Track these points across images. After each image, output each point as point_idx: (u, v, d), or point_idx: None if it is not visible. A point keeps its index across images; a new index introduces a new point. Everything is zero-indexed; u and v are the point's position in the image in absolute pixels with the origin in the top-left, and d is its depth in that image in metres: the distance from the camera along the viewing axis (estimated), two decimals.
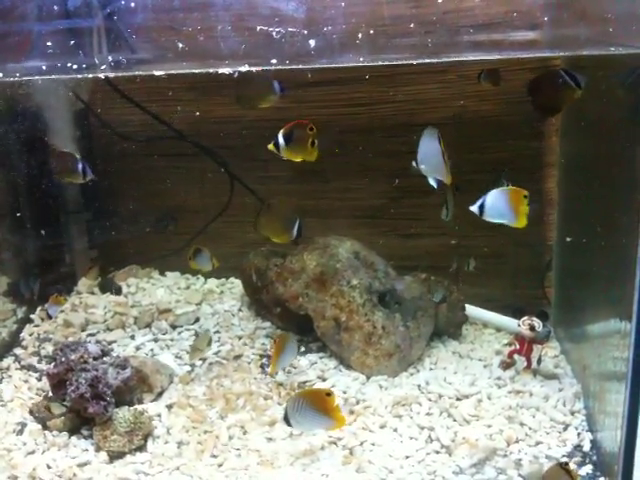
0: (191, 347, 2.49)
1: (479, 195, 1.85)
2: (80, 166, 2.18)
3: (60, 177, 2.30)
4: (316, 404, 1.87)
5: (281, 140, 1.99)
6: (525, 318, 2.32)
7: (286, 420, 1.91)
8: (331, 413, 1.88)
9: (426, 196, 2.67)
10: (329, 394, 1.88)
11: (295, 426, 1.94)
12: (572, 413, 2.14)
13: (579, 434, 2.06)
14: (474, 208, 1.85)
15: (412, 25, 1.83)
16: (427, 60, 2.00)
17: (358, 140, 2.60)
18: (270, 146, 2.00)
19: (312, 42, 1.77)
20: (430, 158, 1.87)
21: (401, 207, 2.73)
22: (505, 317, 2.62)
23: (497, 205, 1.84)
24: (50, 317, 2.53)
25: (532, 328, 2.30)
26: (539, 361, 2.32)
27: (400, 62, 2.00)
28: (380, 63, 1.99)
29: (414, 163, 1.89)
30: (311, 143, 2.00)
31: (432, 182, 1.91)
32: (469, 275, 2.59)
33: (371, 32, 1.81)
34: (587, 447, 2.01)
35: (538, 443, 2.02)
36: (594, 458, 1.97)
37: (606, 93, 1.96)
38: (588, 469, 1.93)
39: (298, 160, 2.04)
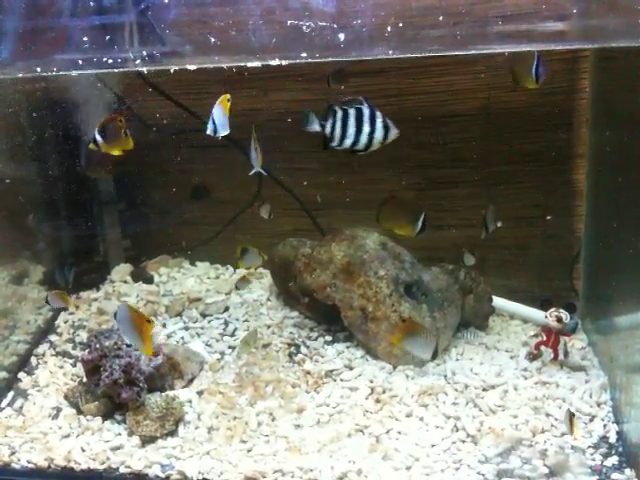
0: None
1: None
2: None
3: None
4: (137, 326, 1.91)
5: (98, 137, 2.04)
6: (552, 310, 2.32)
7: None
8: (144, 340, 1.91)
9: (453, 188, 2.69)
10: (149, 321, 1.91)
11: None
12: (598, 405, 2.15)
13: (605, 425, 2.07)
14: None
15: (441, 17, 1.83)
16: (456, 52, 2.00)
17: None
18: (91, 146, 2.05)
19: (342, 35, 1.79)
20: None
21: (428, 198, 2.73)
22: (532, 309, 2.62)
23: None
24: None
25: (559, 320, 2.30)
26: (566, 353, 2.32)
27: (429, 54, 2.00)
28: (409, 55, 1.99)
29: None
30: (124, 133, 2.05)
31: None
32: (497, 266, 2.59)
33: (400, 24, 1.82)
34: (613, 438, 2.02)
35: (564, 434, 2.02)
36: (620, 449, 1.98)
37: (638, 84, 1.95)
38: (614, 460, 1.94)
39: (117, 153, 2.08)
